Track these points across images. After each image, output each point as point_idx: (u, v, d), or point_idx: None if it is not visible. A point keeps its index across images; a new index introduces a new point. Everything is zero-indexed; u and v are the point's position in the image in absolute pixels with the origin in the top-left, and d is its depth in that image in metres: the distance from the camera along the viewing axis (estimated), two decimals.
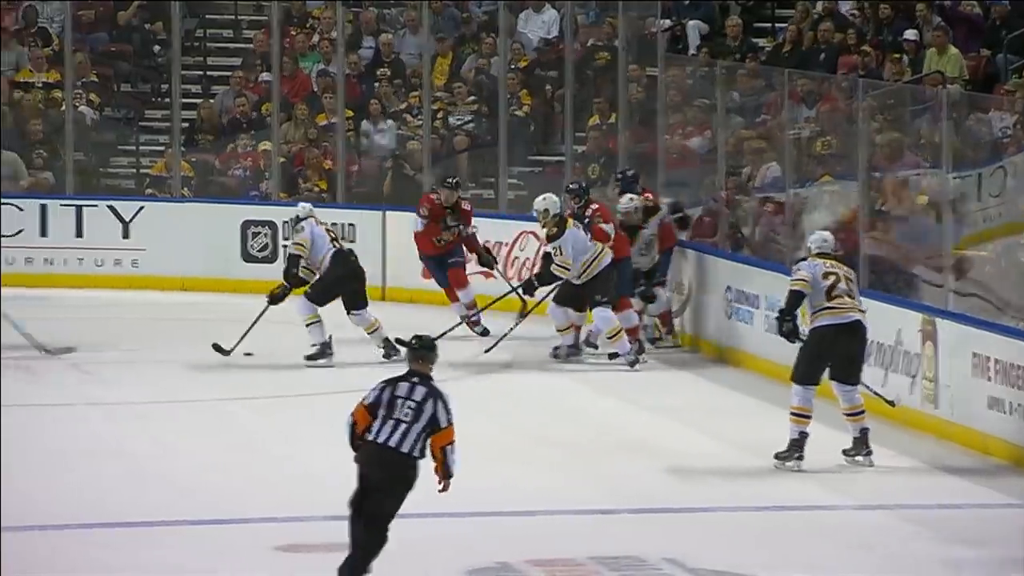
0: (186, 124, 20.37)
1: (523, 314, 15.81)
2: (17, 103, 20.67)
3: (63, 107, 20.25)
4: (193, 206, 19.22)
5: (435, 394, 8.32)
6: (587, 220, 15.34)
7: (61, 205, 19.50)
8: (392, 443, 8.27)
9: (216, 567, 9.42)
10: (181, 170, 19.97)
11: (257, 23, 21.28)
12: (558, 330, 15.01)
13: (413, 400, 8.27)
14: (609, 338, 14.75)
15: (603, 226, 15.25)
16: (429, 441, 8.31)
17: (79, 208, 19.40)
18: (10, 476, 10.92)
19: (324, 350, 15.07)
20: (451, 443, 8.34)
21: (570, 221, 14.93)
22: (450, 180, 16.63)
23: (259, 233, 19.07)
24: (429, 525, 9.94)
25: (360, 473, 8.31)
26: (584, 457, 11.78)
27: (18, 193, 19.87)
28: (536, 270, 15.77)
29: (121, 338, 16.23)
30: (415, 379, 8.36)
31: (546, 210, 15.10)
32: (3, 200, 19.31)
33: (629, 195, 15.65)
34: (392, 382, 8.33)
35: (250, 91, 20.57)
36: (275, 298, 15.18)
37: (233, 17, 21.92)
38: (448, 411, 8.31)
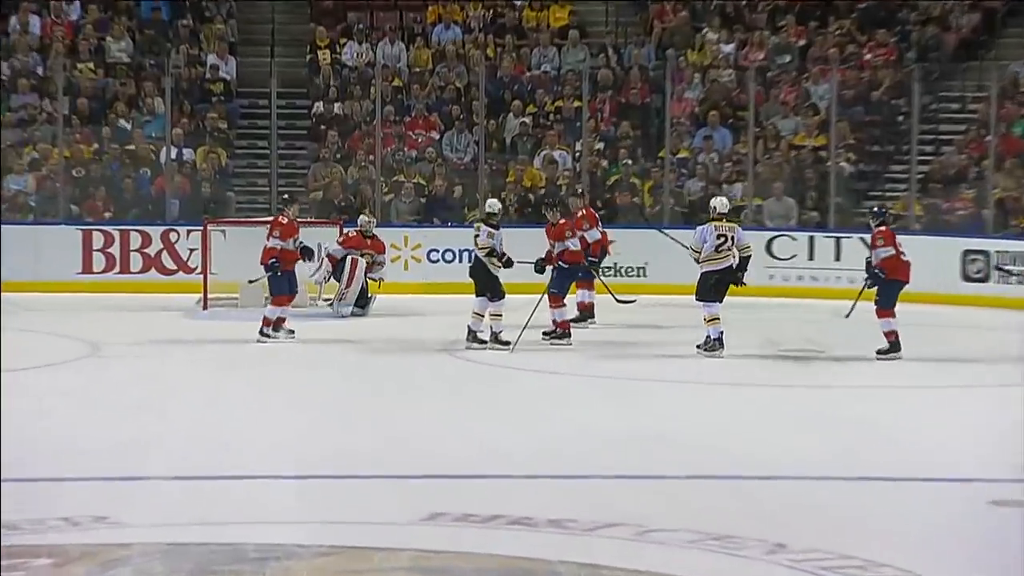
0: (920, 176, 21.94)
1: None
2: (791, 159, 22.60)
3: (828, 163, 22.12)
4: (923, 238, 19.86)
5: None
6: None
7: (824, 237, 21.25)
8: None
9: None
10: (914, 210, 21.46)
11: (979, 97, 22.82)
12: None
13: None
14: None
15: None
16: None
17: (838, 240, 20.99)
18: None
19: None
20: None
21: None
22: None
23: (976, 260, 20.22)
24: None
25: None
26: None
27: (791, 227, 21.59)
28: None
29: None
30: None
31: None
32: (782, 233, 20.92)
33: None
34: None
35: (971, 151, 22.13)
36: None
37: (960, 94, 23.60)
38: None
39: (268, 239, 16.82)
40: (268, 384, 14.76)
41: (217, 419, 12.80)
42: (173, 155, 22.79)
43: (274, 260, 16.73)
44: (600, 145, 23.29)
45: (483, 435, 12.23)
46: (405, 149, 23.44)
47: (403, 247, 21.62)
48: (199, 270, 20.18)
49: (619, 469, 11.07)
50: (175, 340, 17.21)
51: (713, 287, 16.04)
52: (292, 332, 16.84)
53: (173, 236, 21.50)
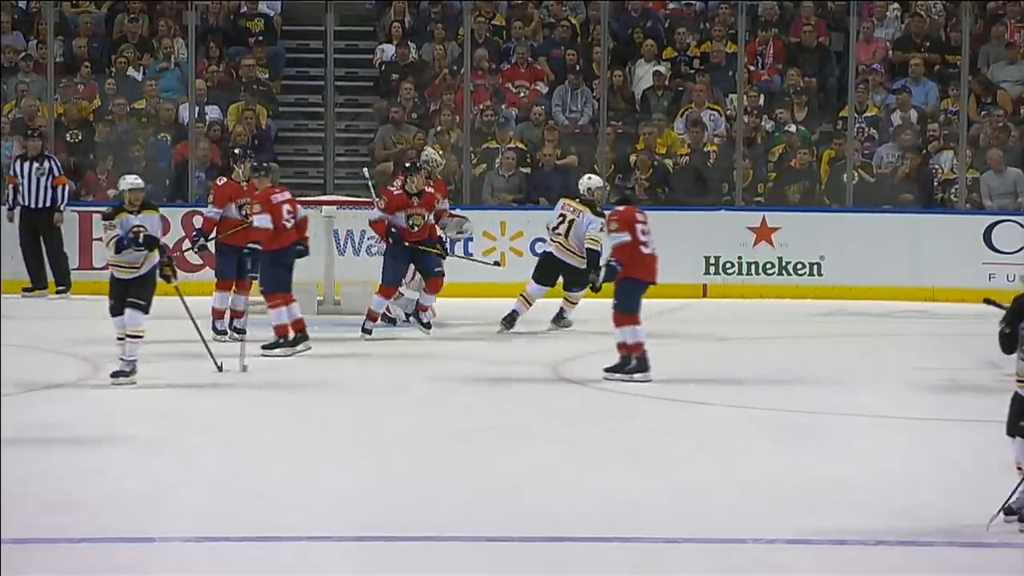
0: None
1: None
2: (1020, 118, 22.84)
3: None
4: None
5: None
6: None
7: None
8: None
9: None
10: None
11: None
12: None
13: None
14: None
15: None
16: None
17: None
18: None
19: None
20: None
21: None
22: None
23: None
24: None
25: None
26: None
27: (1017, 210, 21.84)
28: None
29: None
30: None
31: None
32: (1005, 217, 21.32)
33: None
34: None
35: None
36: None
37: None
38: None
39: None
40: (321, 417, 14.83)
41: (254, 463, 12.84)
42: (197, 114, 22.89)
43: (197, 232, 18.28)
44: (761, 100, 23.33)
45: (610, 485, 12.18)
46: (503, 107, 23.48)
47: (499, 235, 21.83)
48: None
49: (786, 530, 10.94)
50: (199, 357, 17.11)
51: (538, 268, 18.83)
52: (241, 332, 17.33)
53: (198, 221, 21.51)
